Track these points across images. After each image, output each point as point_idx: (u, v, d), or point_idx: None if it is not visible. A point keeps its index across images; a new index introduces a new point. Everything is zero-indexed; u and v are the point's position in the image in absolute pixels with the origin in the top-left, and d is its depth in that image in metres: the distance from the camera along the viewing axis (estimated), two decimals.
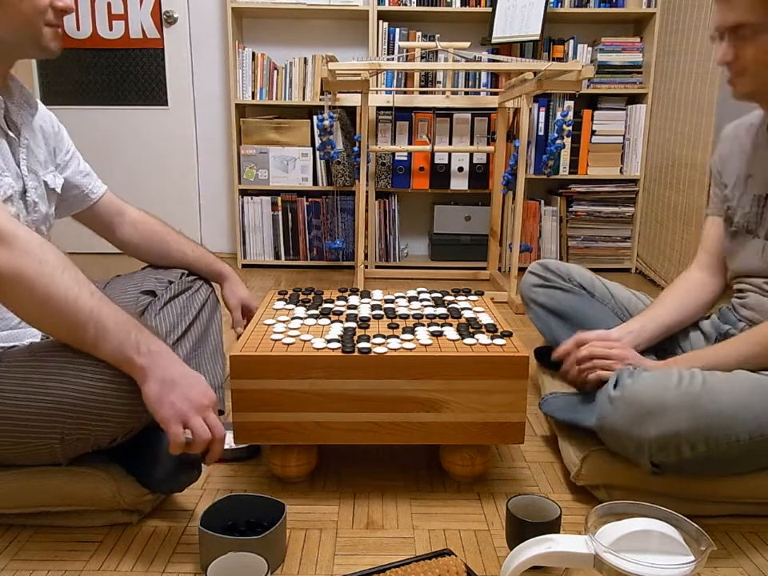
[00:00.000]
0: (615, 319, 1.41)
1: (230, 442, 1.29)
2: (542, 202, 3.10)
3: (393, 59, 2.83)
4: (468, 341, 1.14)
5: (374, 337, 1.16)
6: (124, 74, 3.13)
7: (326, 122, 2.55)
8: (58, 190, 1.20)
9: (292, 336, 1.16)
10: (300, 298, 1.41)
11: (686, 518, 0.81)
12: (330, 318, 1.27)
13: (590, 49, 2.97)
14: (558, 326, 1.47)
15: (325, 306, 1.35)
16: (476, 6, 2.88)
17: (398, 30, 2.91)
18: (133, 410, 0.97)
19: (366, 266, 2.98)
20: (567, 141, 2.88)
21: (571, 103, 2.94)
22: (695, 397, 0.99)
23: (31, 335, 1.10)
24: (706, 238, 1.37)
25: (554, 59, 2.92)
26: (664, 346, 1.33)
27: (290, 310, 1.33)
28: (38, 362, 0.97)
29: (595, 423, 1.09)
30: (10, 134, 1.07)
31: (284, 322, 1.25)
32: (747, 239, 1.23)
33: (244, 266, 3.12)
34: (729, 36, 1.09)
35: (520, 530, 0.94)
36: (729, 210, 1.28)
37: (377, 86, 2.92)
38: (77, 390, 0.94)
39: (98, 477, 1.02)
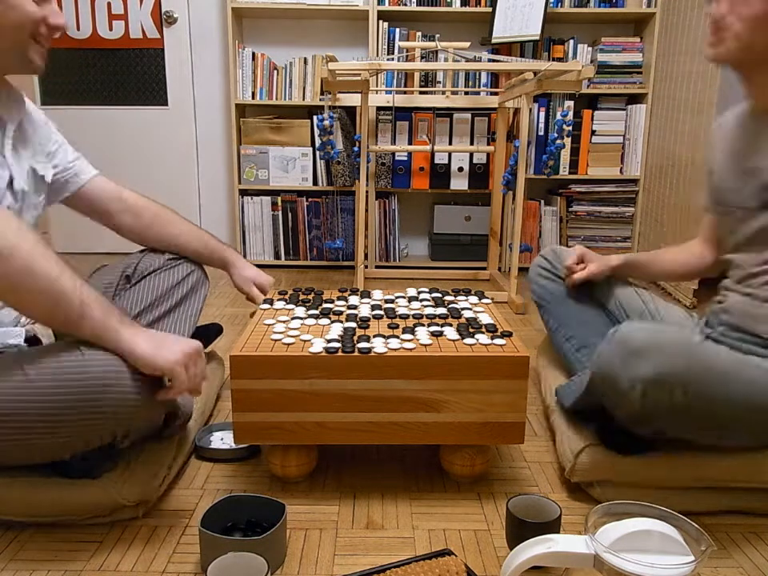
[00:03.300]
0: (602, 317, 1.44)
1: (230, 442, 1.29)
2: (542, 202, 3.10)
3: (393, 59, 2.83)
4: (468, 341, 1.14)
5: (374, 337, 1.16)
6: (124, 74, 3.13)
7: (326, 122, 2.55)
8: (48, 179, 1.21)
9: (292, 336, 1.16)
10: (300, 298, 1.41)
11: (686, 518, 0.81)
12: (330, 318, 1.27)
13: (589, 49, 2.97)
14: (546, 311, 1.54)
15: (325, 306, 1.35)
16: (476, 6, 2.88)
17: (398, 30, 2.91)
18: (137, 392, 0.94)
19: (366, 266, 2.98)
20: (567, 141, 2.89)
21: (571, 103, 2.94)
22: (693, 346, 1.02)
23: (14, 335, 1.09)
24: (707, 220, 1.42)
25: (554, 59, 2.93)
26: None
27: (290, 310, 1.33)
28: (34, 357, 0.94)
29: (592, 363, 1.08)
30: None
31: (284, 322, 1.25)
32: (732, 214, 1.20)
33: None
34: None
35: (520, 530, 0.94)
36: (718, 193, 1.26)
37: (377, 86, 2.92)
38: (77, 372, 0.91)
39: (97, 485, 1.01)
